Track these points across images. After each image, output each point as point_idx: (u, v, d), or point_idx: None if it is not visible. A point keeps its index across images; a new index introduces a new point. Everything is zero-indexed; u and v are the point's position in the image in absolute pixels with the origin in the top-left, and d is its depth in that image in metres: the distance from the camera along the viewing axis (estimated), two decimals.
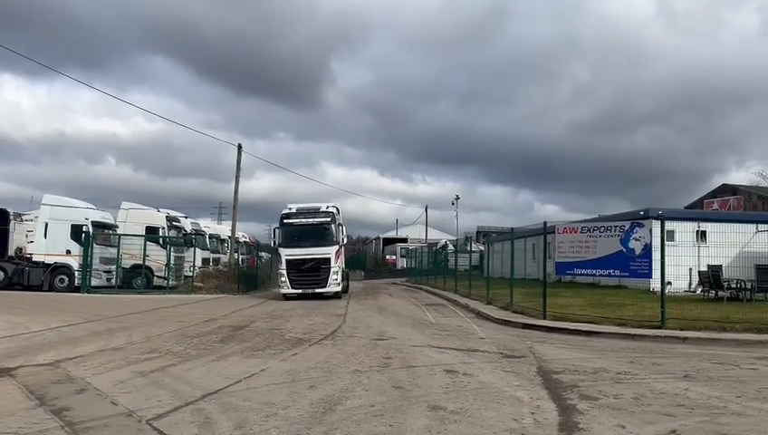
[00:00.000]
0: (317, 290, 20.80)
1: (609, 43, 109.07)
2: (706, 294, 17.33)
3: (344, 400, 6.08)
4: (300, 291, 20.78)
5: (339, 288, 21.59)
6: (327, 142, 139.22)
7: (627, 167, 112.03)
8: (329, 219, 21.66)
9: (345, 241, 23.11)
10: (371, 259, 64.21)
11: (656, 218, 14.16)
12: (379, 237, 75.46)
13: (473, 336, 11.60)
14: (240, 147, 30.81)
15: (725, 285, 16.65)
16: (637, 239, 12.05)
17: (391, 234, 72.29)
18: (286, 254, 21.10)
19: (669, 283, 14.19)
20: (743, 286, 16.54)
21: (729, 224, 19.97)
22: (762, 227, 20.67)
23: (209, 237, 33.13)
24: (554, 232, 13.80)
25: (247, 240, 39.50)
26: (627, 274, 12.42)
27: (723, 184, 46.42)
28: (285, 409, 5.70)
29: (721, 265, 17.13)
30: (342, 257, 22.35)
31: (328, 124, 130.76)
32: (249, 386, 6.78)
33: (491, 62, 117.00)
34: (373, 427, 5.12)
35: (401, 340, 10.79)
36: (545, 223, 14.94)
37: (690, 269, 19.46)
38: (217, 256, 32.94)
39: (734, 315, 12.45)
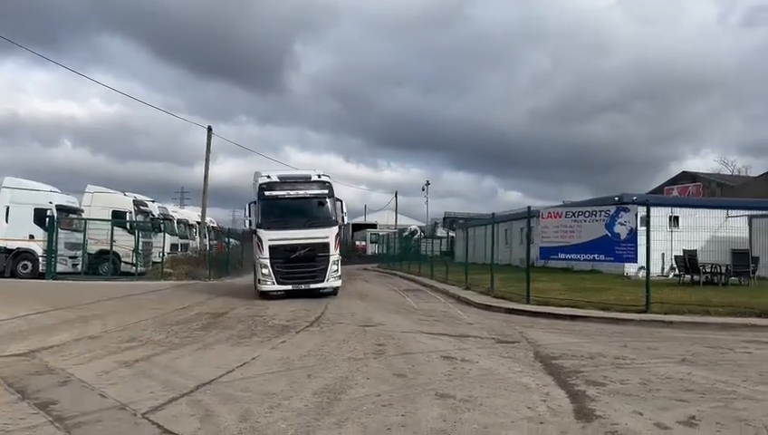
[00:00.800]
0: (312, 286, 15.86)
1: (570, 30, 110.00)
2: (681, 278, 17.60)
3: (347, 389, 5.84)
4: (289, 287, 15.64)
5: (339, 283, 16.59)
6: (291, 127, 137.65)
7: (587, 154, 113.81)
8: (325, 191, 16.52)
9: (346, 221, 17.97)
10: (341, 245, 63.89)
11: (633, 204, 14.26)
12: (348, 223, 75.04)
13: (460, 321, 11.47)
14: (210, 129, 30.12)
15: (702, 269, 16.91)
16: (622, 224, 12.03)
17: (360, 220, 71.95)
18: (270, 238, 15.77)
19: (642, 267, 14.35)
20: (718, 270, 16.82)
21: (700, 210, 20.33)
22: (732, 212, 21.11)
23: (177, 223, 32.36)
24: (538, 216, 13.72)
25: (215, 225, 38.81)
26: (612, 258, 12.43)
27: (683, 171, 47.51)
28: (288, 399, 5.43)
29: (696, 250, 17.40)
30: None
31: (291, 109, 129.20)
32: (244, 375, 6.48)
33: (455, 49, 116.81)
34: (384, 417, 4.90)
35: (389, 326, 10.58)
36: (529, 208, 14.87)
37: (663, 254, 19.79)
38: (186, 241, 32.19)
39: (714, 299, 12.59)
